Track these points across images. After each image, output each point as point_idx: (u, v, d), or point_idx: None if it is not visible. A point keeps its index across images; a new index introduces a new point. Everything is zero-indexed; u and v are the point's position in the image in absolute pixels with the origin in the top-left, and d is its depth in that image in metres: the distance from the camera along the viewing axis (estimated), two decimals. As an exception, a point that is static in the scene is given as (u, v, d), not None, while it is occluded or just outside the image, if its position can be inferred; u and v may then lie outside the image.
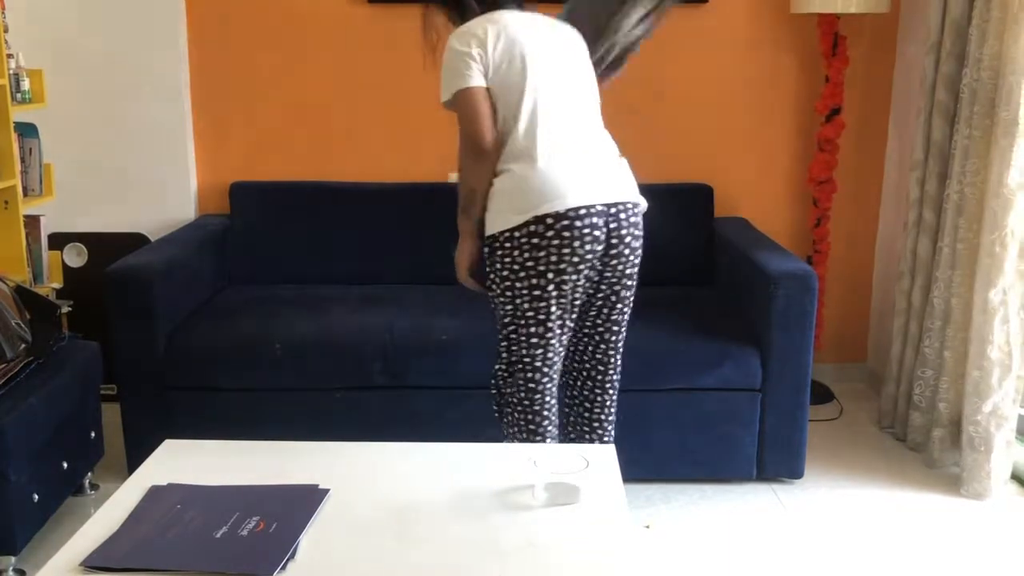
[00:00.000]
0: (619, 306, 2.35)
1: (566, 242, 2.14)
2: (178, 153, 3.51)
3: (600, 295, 2.32)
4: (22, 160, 3.07)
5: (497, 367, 2.36)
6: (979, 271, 2.81)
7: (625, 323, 2.39)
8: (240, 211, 3.49)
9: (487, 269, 2.27)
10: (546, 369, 2.29)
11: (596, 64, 2.40)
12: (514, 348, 2.28)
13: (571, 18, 2.43)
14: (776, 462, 2.91)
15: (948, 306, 2.98)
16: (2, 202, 2.95)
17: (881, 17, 3.50)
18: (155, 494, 1.69)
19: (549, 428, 2.34)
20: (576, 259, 2.17)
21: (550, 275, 2.17)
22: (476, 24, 2.23)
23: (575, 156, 2.21)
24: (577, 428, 2.48)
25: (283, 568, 1.45)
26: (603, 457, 1.85)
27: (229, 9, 3.48)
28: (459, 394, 2.84)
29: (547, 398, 2.32)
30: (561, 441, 2.47)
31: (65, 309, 3.03)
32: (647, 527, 2.68)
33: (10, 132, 2.91)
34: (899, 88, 3.54)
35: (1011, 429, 2.84)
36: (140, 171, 3.50)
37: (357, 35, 3.50)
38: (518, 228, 2.16)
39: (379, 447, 1.91)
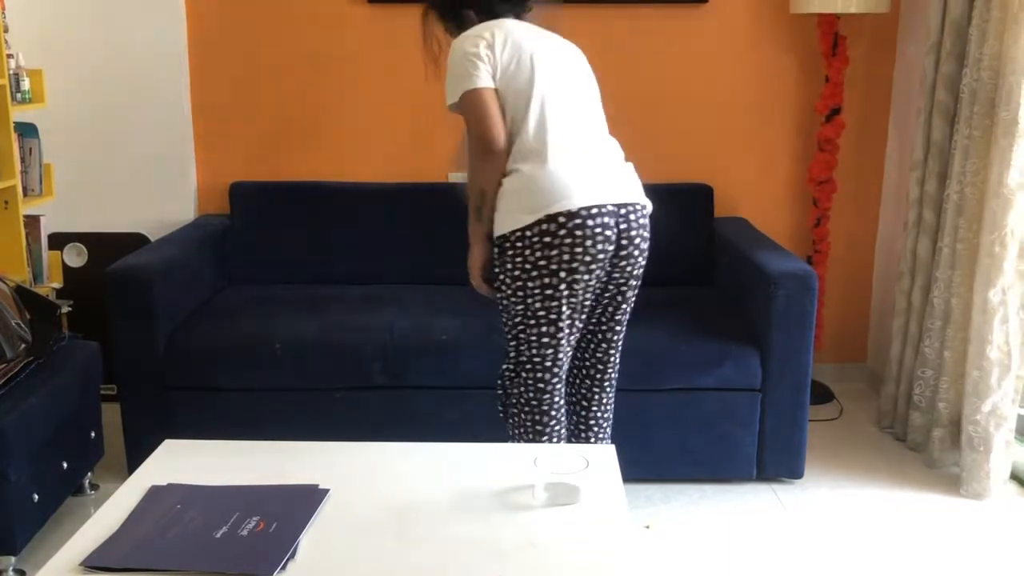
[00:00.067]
0: (623, 306, 2.36)
1: (578, 241, 2.15)
2: (178, 153, 3.51)
3: (607, 294, 2.32)
4: (22, 160, 3.07)
5: (505, 367, 2.36)
6: (979, 271, 2.81)
7: (626, 323, 2.40)
8: (240, 211, 3.49)
9: (496, 269, 2.26)
10: (555, 369, 2.29)
11: None
12: (523, 348, 2.28)
13: None
14: (776, 462, 2.91)
15: (948, 306, 2.98)
16: (2, 202, 2.95)
17: (881, 17, 3.50)
18: (155, 494, 1.69)
19: (556, 428, 2.34)
20: (588, 258, 2.17)
21: (562, 274, 2.17)
22: (482, 28, 2.24)
23: (584, 157, 2.22)
24: (573, 427, 2.48)
25: (283, 568, 1.45)
26: (603, 457, 1.85)
27: (229, 9, 3.48)
28: (459, 394, 2.84)
29: (555, 398, 2.32)
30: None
31: (65, 309, 3.03)
32: (647, 527, 2.68)
33: (10, 132, 2.91)
34: (899, 88, 3.54)
35: (1010, 429, 2.84)
36: (140, 171, 3.51)
37: (357, 35, 3.50)
38: (529, 227, 2.16)
39: (379, 447, 1.91)
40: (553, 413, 2.33)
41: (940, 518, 2.75)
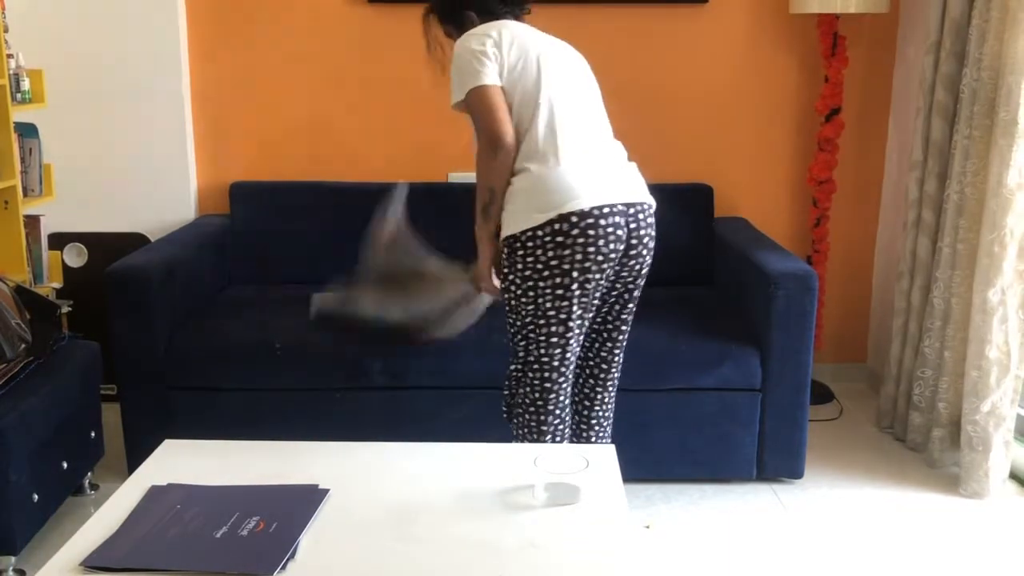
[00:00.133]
0: (630, 305, 2.36)
1: (591, 240, 2.14)
2: (178, 153, 3.51)
3: (614, 293, 2.33)
4: (22, 160, 3.07)
5: (513, 367, 2.35)
6: (978, 271, 2.81)
7: (630, 322, 2.40)
8: (240, 211, 3.49)
9: (505, 270, 2.25)
10: (563, 369, 2.29)
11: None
12: (531, 348, 2.27)
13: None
14: (776, 462, 2.91)
15: (948, 306, 2.98)
16: (2, 202, 2.95)
17: (880, 17, 3.51)
18: (155, 494, 1.69)
19: (560, 427, 2.34)
20: (600, 258, 2.17)
21: (575, 274, 2.17)
22: (488, 27, 2.24)
23: (593, 158, 2.23)
24: (575, 426, 2.49)
25: (283, 568, 1.45)
26: (603, 457, 1.86)
27: (229, 9, 3.48)
28: (459, 394, 2.84)
29: (561, 398, 2.32)
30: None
31: (65, 309, 3.03)
32: (647, 527, 2.68)
33: (10, 132, 2.91)
34: (899, 88, 3.54)
35: (1009, 429, 2.84)
36: (140, 171, 3.51)
37: (357, 35, 3.50)
38: (541, 227, 2.15)
39: (379, 447, 1.91)
40: (558, 412, 2.33)
41: (939, 518, 2.75)
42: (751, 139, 3.62)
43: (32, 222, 3.12)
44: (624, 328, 2.40)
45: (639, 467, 2.83)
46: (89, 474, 2.85)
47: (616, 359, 2.43)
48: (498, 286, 2.34)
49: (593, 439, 2.47)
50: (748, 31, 3.53)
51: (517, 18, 2.35)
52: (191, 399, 2.86)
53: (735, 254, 3.17)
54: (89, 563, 1.46)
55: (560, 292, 2.19)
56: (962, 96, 2.89)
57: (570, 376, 2.33)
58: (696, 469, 2.92)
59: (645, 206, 2.26)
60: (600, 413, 2.47)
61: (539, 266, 2.17)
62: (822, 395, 3.57)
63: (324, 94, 3.55)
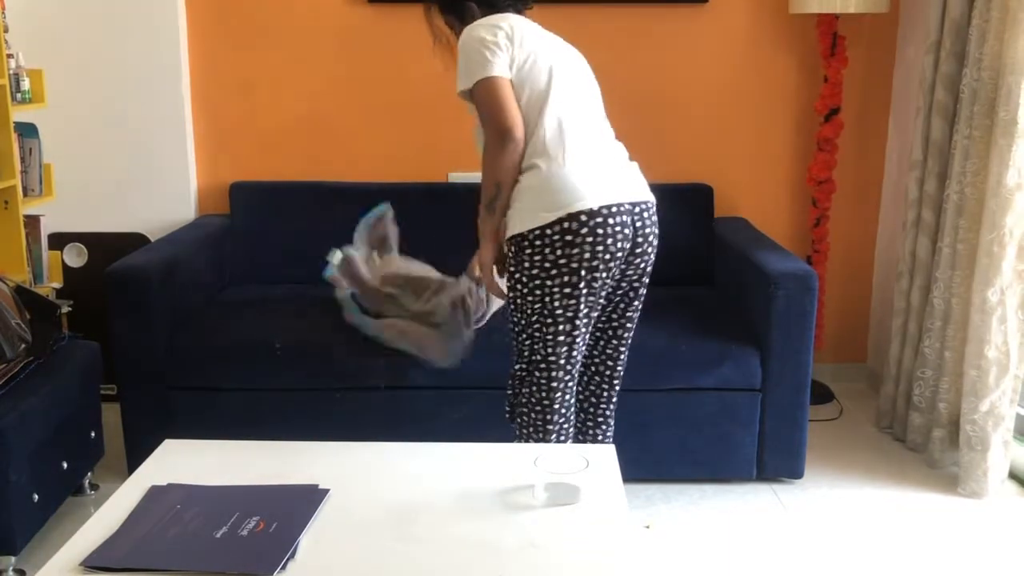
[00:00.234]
0: (635, 303, 2.37)
1: (599, 239, 2.14)
2: (178, 153, 3.51)
3: (620, 291, 2.33)
4: (22, 160, 3.07)
5: (517, 366, 2.35)
6: (977, 271, 2.81)
7: (636, 320, 2.40)
8: (240, 211, 3.49)
9: (512, 269, 2.24)
10: (568, 367, 2.29)
11: None
12: (538, 347, 2.27)
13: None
14: (776, 462, 2.91)
15: (948, 306, 2.98)
16: (2, 202, 2.95)
17: (880, 17, 3.51)
18: (155, 494, 1.69)
19: (565, 427, 2.34)
20: (608, 256, 2.17)
21: (583, 272, 2.17)
22: (496, 18, 2.22)
23: (600, 156, 2.23)
24: (580, 424, 2.49)
25: (283, 568, 1.45)
26: (603, 457, 1.86)
27: (229, 9, 3.48)
28: (459, 394, 2.84)
29: (566, 397, 2.32)
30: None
31: (65, 309, 3.03)
32: (647, 527, 2.68)
33: (10, 132, 2.91)
34: (899, 88, 3.54)
35: (1008, 428, 2.84)
36: (140, 171, 3.51)
37: (357, 35, 3.50)
38: (549, 226, 2.14)
39: (379, 447, 1.91)
40: (563, 412, 2.33)
41: (939, 518, 2.75)
42: (751, 139, 3.62)
43: (32, 222, 3.12)
44: (629, 326, 2.40)
45: (639, 467, 2.83)
46: (89, 474, 2.85)
47: (622, 357, 2.43)
48: (491, 283, 2.33)
49: (600, 437, 2.48)
50: (748, 31, 3.53)
51: (519, 12, 2.33)
52: (191, 399, 2.86)
53: (735, 254, 3.17)
54: (89, 563, 1.46)
55: (568, 291, 2.19)
56: (962, 96, 2.89)
57: (575, 375, 2.33)
58: (696, 469, 2.92)
59: (649, 204, 2.27)
60: (606, 411, 2.47)
61: (547, 265, 2.17)
62: (822, 395, 3.57)
63: (324, 94, 3.55)
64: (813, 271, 2.83)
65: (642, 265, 2.29)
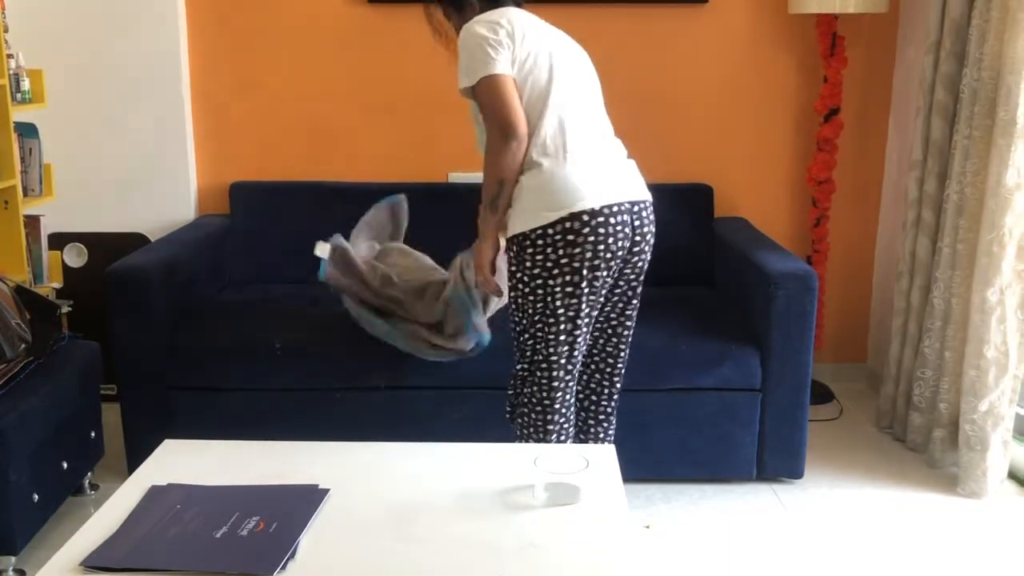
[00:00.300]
0: (634, 301, 2.37)
1: (601, 239, 2.15)
2: (178, 153, 3.51)
3: (618, 290, 2.33)
4: (22, 160, 3.07)
5: (519, 366, 2.35)
6: (976, 271, 2.81)
7: (635, 317, 2.41)
8: (240, 211, 3.49)
9: (513, 268, 2.25)
10: (569, 367, 2.29)
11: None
12: (539, 347, 2.27)
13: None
14: (776, 462, 2.91)
15: (948, 306, 2.98)
16: (2, 202, 2.95)
17: (880, 17, 3.51)
18: (155, 494, 1.69)
19: (565, 426, 2.34)
20: (609, 255, 2.17)
21: (584, 271, 2.17)
22: (497, 14, 2.21)
23: (600, 155, 2.23)
24: (582, 423, 2.49)
25: (283, 568, 1.45)
26: (603, 457, 1.86)
27: (229, 9, 3.48)
28: (459, 394, 2.84)
29: (568, 397, 2.32)
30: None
31: (65, 309, 3.03)
32: (647, 527, 2.68)
33: (10, 132, 2.91)
34: (899, 88, 3.54)
35: (1007, 428, 2.84)
36: (140, 171, 3.51)
37: (356, 35, 3.50)
38: (552, 225, 2.14)
39: (379, 447, 1.91)
40: (564, 411, 2.33)
41: (938, 518, 2.75)
42: (751, 139, 3.62)
43: (32, 222, 3.12)
44: (629, 324, 2.40)
45: (639, 467, 2.83)
46: (89, 474, 2.85)
47: (622, 355, 2.43)
48: (488, 280, 2.33)
49: (601, 435, 2.48)
50: (747, 31, 3.53)
51: (518, 4, 2.32)
52: (191, 399, 2.86)
53: (735, 254, 3.17)
54: (89, 563, 1.46)
55: (570, 290, 2.19)
56: (962, 96, 2.89)
57: (576, 374, 2.34)
58: (696, 469, 2.92)
59: (647, 203, 2.28)
60: (608, 409, 2.47)
61: (549, 264, 2.17)
62: (822, 395, 3.57)
63: (324, 94, 3.55)
64: (813, 271, 2.83)
65: (639, 264, 2.30)
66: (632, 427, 2.80)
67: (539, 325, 2.24)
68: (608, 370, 2.44)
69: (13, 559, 2.39)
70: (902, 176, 3.49)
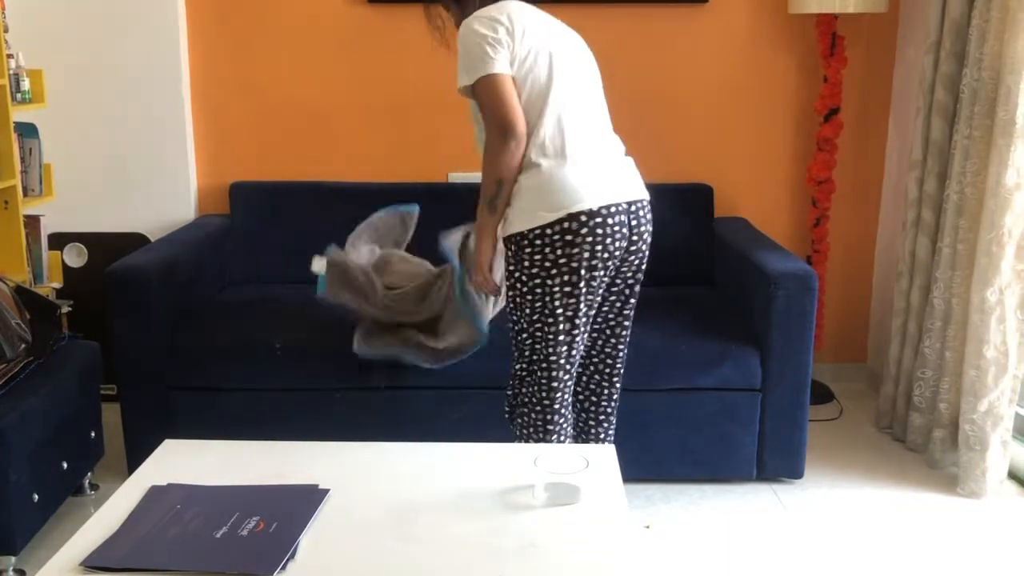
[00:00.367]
0: (631, 300, 2.37)
1: (599, 239, 2.15)
2: (178, 153, 3.51)
3: (615, 288, 2.33)
4: (22, 160, 3.07)
5: (518, 366, 2.35)
6: (976, 270, 2.81)
7: (632, 316, 2.41)
8: (240, 211, 3.49)
9: (511, 267, 2.24)
10: (568, 367, 2.29)
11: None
12: (538, 347, 2.27)
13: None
14: (776, 462, 2.91)
15: (948, 306, 2.98)
16: (2, 202, 2.95)
17: (879, 17, 3.51)
18: (155, 494, 1.69)
19: (564, 426, 2.34)
20: (606, 256, 2.18)
21: (582, 271, 2.17)
22: (494, 11, 2.19)
23: (599, 155, 2.23)
24: (583, 423, 2.49)
25: (283, 568, 1.45)
26: (603, 457, 1.86)
27: (229, 9, 3.48)
28: (459, 394, 2.84)
29: (566, 396, 2.32)
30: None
31: (65, 309, 3.03)
32: (647, 527, 2.68)
33: (10, 132, 2.91)
34: (899, 88, 3.54)
35: (1007, 428, 2.84)
36: (140, 171, 3.51)
37: (356, 35, 3.50)
38: (550, 225, 2.14)
39: (379, 447, 1.91)
40: (563, 411, 2.33)
41: (938, 518, 2.75)
42: (751, 139, 3.62)
43: (32, 222, 3.12)
44: (627, 323, 2.40)
45: (639, 467, 2.83)
46: (89, 474, 2.85)
47: (620, 354, 2.43)
48: (487, 280, 2.33)
49: (601, 436, 2.48)
50: (747, 31, 3.53)
51: None
52: (191, 399, 2.86)
53: (735, 254, 3.17)
54: (89, 563, 1.46)
55: (568, 290, 2.19)
56: (962, 96, 2.89)
57: (574, 374, 2.34)
58: (696, 469, 2.92)
59: (644, 202, 2.28)
60: (608, 409, 2.47)
61: (547, 264, 2.17)
62: (822, 395, 3.57)
63: (324, 94, 3.55)
64: (813, 271, 2.83)
65: (636, 262, 2.30)
66: (632, 427, 2.80)
67: (538, 325, 2.25)
68: (607, 371, 2.44)
69: (13, 559, 2.39)
70: (902, 176, 3.49)
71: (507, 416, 2.41)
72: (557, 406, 2.31)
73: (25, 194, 3.08)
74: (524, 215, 2.18)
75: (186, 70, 3.49)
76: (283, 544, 1.50)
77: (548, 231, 2.15)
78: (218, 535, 1.53)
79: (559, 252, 2.15)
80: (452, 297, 2.62)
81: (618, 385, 2.47)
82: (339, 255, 2.74)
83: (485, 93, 2.15)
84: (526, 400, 2.33)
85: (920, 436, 3.14)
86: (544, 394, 2.30)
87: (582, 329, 2.26)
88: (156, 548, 1.50)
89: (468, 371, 2.79)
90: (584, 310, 2.24)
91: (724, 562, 2.51)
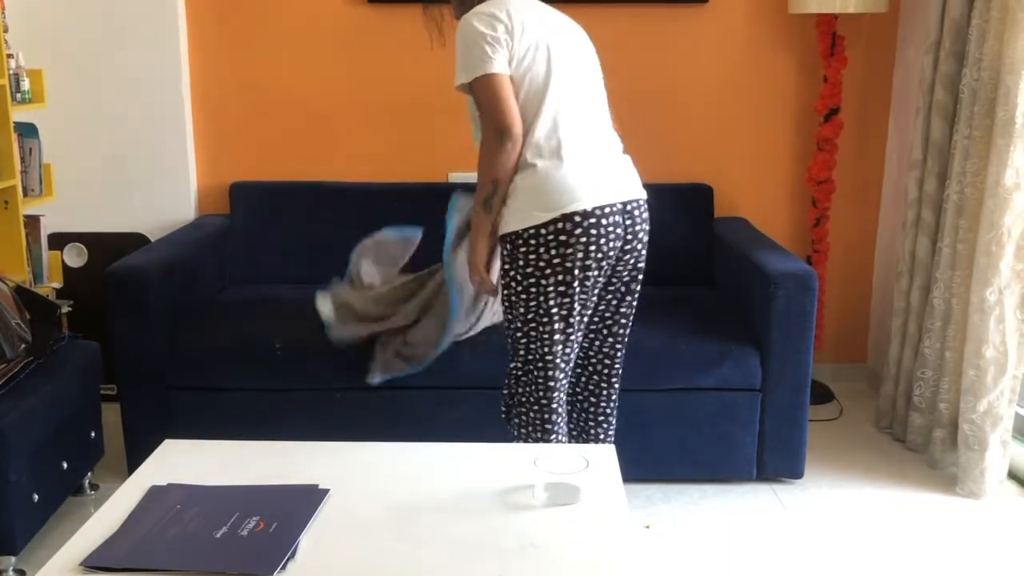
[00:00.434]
0: (628, 299, 2.37)
1: (592, 239, 2.15)
2: (178, 153, 3.51)
3: (611, 288, 2.33)
4: (22, 160, 3.07)
5: (512, 365, 2.35)
6: (975, 270, 2.81)
7: (632, 316, 2.40)
8: (240, 211, 3.49)
9: (506, 267, 2.25)
10: (563, 366, 2.29)
11: None
12: (533, 346, 2.27)
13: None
14: (776, 462, 2.92)
15: (948, 306, 2.98)
16: (2, 202, 2.95)
17: (879, 17, 3.51)
18: (155, 494, 1.69)
19: (561, 425, 2.34)
20: (600, 256, 2.18)
21: (576, 271, 2.17)
22: (496, 8, 2.18)
23: (594, 154, 2.23)
24: (583, 423, 2.49)
25: (283, 568, 1.45)
26: (603, 457, 1.86)
27: (229, 9, 3.48)
28: (458, 394, 2.84)
29: (562, 395, 2.33)
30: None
31: (65, 309, 3.03)
32: (647, 527, 2.68)
33: (10, 132, 2.91)
34: (899, 88, 3.54)
35: (1006, 428, 2.84)
36: (140, 171, 3.51)
37: (357, 35, 3.50)
38: (544, 225, 2.15)
39: (379, 447, 1.91)
40: (560, 411, 2.33)
41: (938, 518, 2.75)
42: (751, 139, 3.62)
43: (32, 222, 3.12)
44: (624, 323, 2.40)
45: (639, 467, 2.83)
46: (89, 474, 2.85)
47: (619, 355, 2.43)
48: (484, 280, 2.33)
49: (601, 436, 2.48)
50: (747, 31, 3.54)
51: None
52: (191, 399, 2.86)
53: (735, 254, 3.17)
54: (89, 563, 1.46)
55: (562, 289, 2.19)
56: (962, 96, 2.89)
57: (569, 373, 2.34)
58: (696, 469, 2.92)
59: (640, 202, 2.27)
60: (607, 409, 2.47)
61: (541, 263, 2.17)
62: (822, 395, 3.57)
63: (324, 94, 3.55)
64: (813, 271, 2.83)
65: (632, 262, 2.30)
66: (632, 427, 2.80)
67: (532, 324, 2.25)
68: (605, 371, 2.44)
69: (13, 559, 2.39)
70: (902, 176, 3.49)
71: (504, 415, 2.41)
72: (555, 405, 2.31)
73: (25, 194, 3.08)
74: (519, 215, 2.18)
75: (186, 70, 3.49)
76: (283, 544, 1.50)
77: (542, 231, 2.15)
78: (218, 535, 1.53)
79: (553, 252, 2.16)
80: (440, 292, 2.63)
81: (617, 386, 2.47)
82: (339, 292, 2.74)
83: (482, 93, 2.15)
84: (523, 400, 2.33)
85: (920, 436, 3.14)
86: (541, 393, 2.30)
87: (577, 328, 2.26)
88: (156, 548, 1.50)
89: (467, 371, 2.80)
90: (579, 310, 2.24)
91: (724, 562, 2.52)
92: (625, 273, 2.32)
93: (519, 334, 2.29)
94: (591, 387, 2.46)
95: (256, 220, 3.47)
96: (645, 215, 2.29)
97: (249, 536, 1.53)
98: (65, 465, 2.62)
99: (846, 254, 3.73)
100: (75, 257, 3.50)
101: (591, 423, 2.48)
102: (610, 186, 2.20)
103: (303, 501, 1.65)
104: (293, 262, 3.45)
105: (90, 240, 3.50)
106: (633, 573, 1.46)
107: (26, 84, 3.04)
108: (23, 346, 2.53)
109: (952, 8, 2.93)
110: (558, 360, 2.27)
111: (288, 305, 3.12)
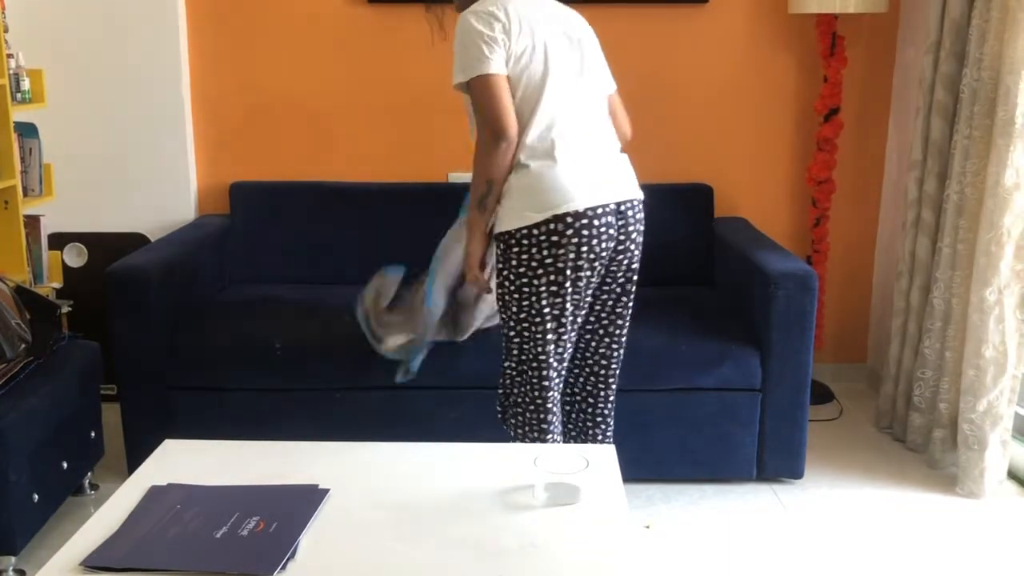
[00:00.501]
0: (624, 299, 2.37)
1: (584, 240, 2.15)
2: (178, 153, 3.51)
3: (606, 287, 2.33)
4: (22, 160, 3.07)
5: (506, 364, 2.35)
6: (975, 270, 2.81)
7: (628, 317, 2.40)
8: (240, 211, 3.49)
9: (500, 266, 2.25)
10: (557, 366, 2.30)
11: None
12: (527, 346, 2.28)
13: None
14: (776, 462, 2.92)
15: (948, 306, 2.98)
16: (2, 202, 2.96)
17: (879, 17, 3.51)
18: (155, 494, 1.69)
19: (557, 425, 2.34)
20: (592, 256, 2.18)
21: (568, 272, 2.17)
22: (495, 6, 2.18)
23: (589, 154, 2.22)
24: (579, 424, 2.49)
25: (283, 568, 1.45)
26: (603, 457, 1.86)
27: (229, 9, 3.48)
28: (458, 394, 2.84)
29: (556, 394, 2.33)
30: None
31: (65, 309, 3.03)
32: (647, 527, 2.68)
33: (10, 132, 2.91)
34: (898, 88, 3.54)
35: (1006, 428, 2.84)
36: (140, 171, 3.51)
37: (356, 35, 3.50)
38: (536, 226, 2.15)
39: (379, 447, 1.91)
40: (555, 411, 2.33)
41: (938, 518, 2.75)
42: (751, 139, 3.62)
43: (32, 222, 3.12)
44: (620, 323, 2.40)
45: (639, 467, 2.83)
46: (89, 474, 2.85)
47: (615, 355, 2.43)
48: (477, 278, 2.33)
49: (599, 436, 2.48)
50: (747, 31, 3.54)
51: None
52: (191, 399, 2.86)
53: (735, 254, 3.17)
54: (89, 563, 1.46)
55: (554, 290, 2.19)
56: (962, 96, 2.89)
57: (563, 373, 2.34)
58: (696, 469, 2.92)
59: (635, 203, 2.27)
60: (605, 410, 2.47)
61: (534, 263, 2.18)
62: (822, 395, 3.57)
63: (324, 94, 3.55)
64: (813, 271, 2.83)
65: (625, 262, 2.30)
66: (632, 427, 2.80)
67: (525, 324, 2.25)
68: (602, 372, 2.44)
69: (13, 559, 2.39)
70: (902, 176, 3.49)
71: (499, 415, 2.41)
72: (549, 404, 2.31)
73: (25, 194, 3.08)
74: (512, 214, 2.18)
75: (186, 70, 3.49)
76: (283, 544, 1.50)
77: (535, 231, 2.15)
78: (218, 535, 1.53)
79: (545, 252, 2.16)
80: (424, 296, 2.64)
81: (614, 386, 2.47)
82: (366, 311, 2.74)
83: (479, 93, 2.16)
84: (519, 400, 2.33)
85: (920, 436, 3.14)
86: (536, 393, 2.30)
87: (569, 328, 2.27)
88: (156, 548, 1.50)
89: (466, 371, 2.80)
90: (571, 310, 2.24)
91: (724, 562, 2.52)
92: (620, 274, 2.31)
93: (512, 333, 2.30)
94: (589, 388, 2.46)
95: (256, 220, 3.47)
96: (640, 215, 2.29)
97: (249, 536, 1.53)
98: (65, 465, 2.62)
99: (846, 254, 3.73)
100: (75, 257, 3.50)
101: (589, 423, 2.48)
102: (604, 186, 2.19)
103: (303, 501, 1.65)
104: (293, 262, 3.45)
105: (90, 240, 3.50)
106: (633, 573, 1.46)
107: (26, 84, 3.04)
108: (23, 346, 2.53)
109: (952, 8, 2.93)
110: (551, 360, 2.28)
111: (288, 305, 3.12)
